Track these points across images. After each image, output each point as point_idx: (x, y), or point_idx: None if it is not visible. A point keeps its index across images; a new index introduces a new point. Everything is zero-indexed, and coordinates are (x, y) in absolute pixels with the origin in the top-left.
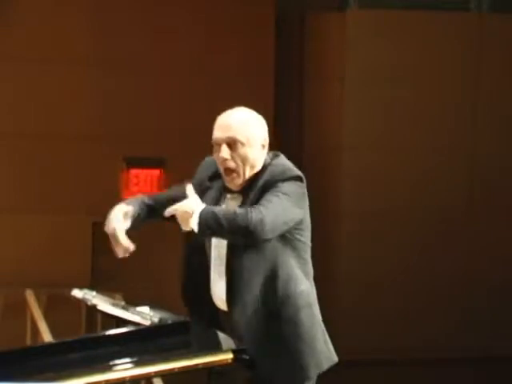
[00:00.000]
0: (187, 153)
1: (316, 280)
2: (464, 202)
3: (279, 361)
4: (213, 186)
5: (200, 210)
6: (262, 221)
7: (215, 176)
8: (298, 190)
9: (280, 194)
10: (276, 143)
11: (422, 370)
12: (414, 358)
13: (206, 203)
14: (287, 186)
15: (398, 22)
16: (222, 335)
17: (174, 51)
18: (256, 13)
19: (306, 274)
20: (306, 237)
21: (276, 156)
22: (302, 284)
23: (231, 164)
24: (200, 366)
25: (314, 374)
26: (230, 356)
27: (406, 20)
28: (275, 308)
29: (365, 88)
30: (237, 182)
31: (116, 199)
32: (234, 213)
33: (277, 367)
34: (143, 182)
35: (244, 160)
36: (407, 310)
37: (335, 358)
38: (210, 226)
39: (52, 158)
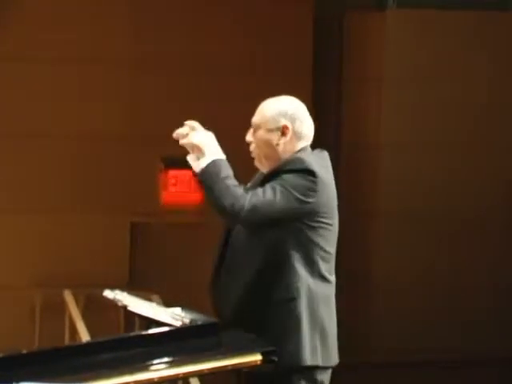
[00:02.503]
0: (225, 153)
1: (352, 280)
2: (501, 203)
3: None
4: None
5: (215, 158)
6: (241, 208)
7: None
8: (303, 183)
9: (277, 187)
10: (314, 143)
11: (457, 371)
12: (449, 359)
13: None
14: (290, 178)
15: (437, 21)
16: (251, 336)
17: (211, 51)
18: (294, 13)
19: (310, 273)
20: (317, 235)
21: (310, 151)
22: (296, 278)
23: (251, 146)
24: (229, 368)
25: (285, 364)
26: (258, 357)
27: (445, 20)
28: (261, 292)
29: (403, 88)
30: (257, 163)
31: (154, 200)
32: (229, 185)
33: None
34: (181, 183)
35: (258, 141)
36: (446, 310)
37: (303, 363)
38: (206, 178)
39: (90, 158)
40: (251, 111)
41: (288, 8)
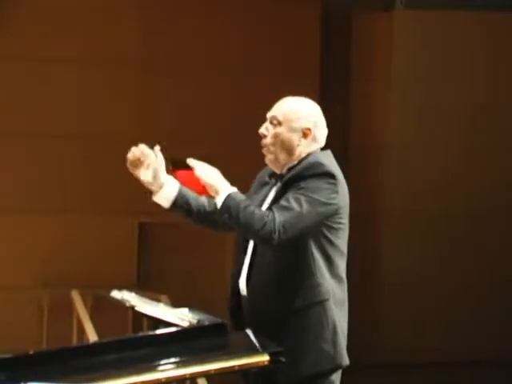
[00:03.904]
0: (233, 153)
1: (355, 280)
2: (506, 203)
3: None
4: (270, 182)
5: (229, 192)
6: (272, 232)
7: (275, 174)
8: (325, 186)
9: (301, 196)
10: None
11: (457, 371)
12: (452, 360)
13: (258, 197)
14: (312, 183)
15: (445, 22)
16: (258, 337)
17: (219, 51)
18: (302, 13)
19: (331, 275)
20: (336, 237)
21: (321, 151)
22: (321, 280)
23: (265, 140)
24: (236, 368)
25: (307, 372)
26: (266, 358)
27: (452, 20)
28: (287, 297)
29: (410, 88)
30: (270, 159)
31: None
32: (254, 211)
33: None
34: (190, 183)
35: (275, 137)
36: (448, 310)
37: (341, 362)
38: (230, 212)
39: (99, 159)
40: (258, 111)
41: (296, 8)
